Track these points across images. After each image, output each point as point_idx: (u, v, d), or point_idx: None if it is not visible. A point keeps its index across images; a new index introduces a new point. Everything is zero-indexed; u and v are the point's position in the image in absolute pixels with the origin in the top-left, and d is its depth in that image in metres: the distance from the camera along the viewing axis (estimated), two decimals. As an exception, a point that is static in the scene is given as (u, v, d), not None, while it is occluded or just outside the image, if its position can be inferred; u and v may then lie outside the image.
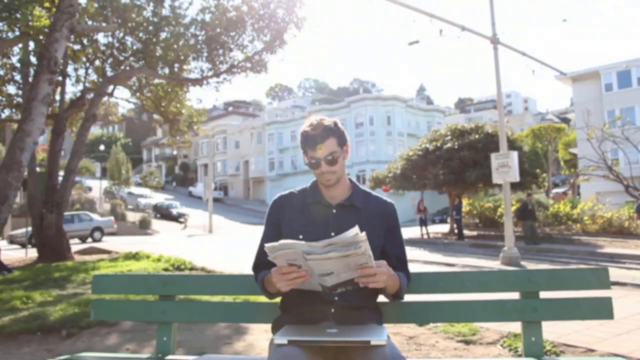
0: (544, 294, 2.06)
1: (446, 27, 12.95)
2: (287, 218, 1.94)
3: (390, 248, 1.97)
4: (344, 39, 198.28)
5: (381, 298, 1.92)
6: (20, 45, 10.82)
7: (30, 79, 9.28)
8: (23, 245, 15.45)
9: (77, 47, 11.97)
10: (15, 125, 11.00)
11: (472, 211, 23.21)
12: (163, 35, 12.29)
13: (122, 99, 17.87)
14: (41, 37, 9.05)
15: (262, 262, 1.95)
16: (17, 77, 11.91)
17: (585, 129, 19.54)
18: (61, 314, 4.68)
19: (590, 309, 2.02)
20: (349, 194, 1.96)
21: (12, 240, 20.91)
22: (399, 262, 1.98)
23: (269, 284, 1.82)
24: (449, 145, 20.50)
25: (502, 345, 3.74)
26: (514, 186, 18.03)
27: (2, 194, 6.71)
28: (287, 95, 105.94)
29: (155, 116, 15.18)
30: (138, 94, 13.83)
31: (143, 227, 30.74)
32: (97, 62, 13.01)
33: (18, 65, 11.79)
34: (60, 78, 11.51)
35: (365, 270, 1.62)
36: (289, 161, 52.63)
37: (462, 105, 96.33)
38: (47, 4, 9.69)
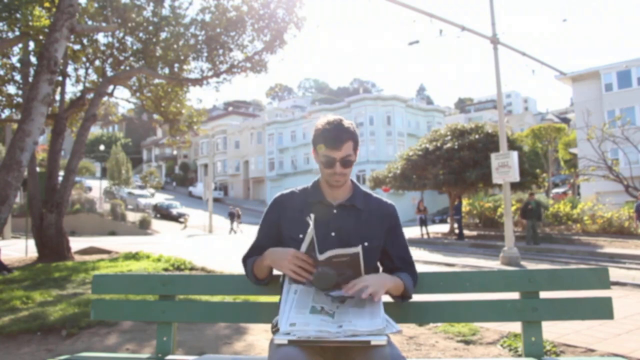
0: (544, 294, 2.06)
1: (446, 27, 12.98)
2: (287, 217, 1.94)
3: (393, 249, 1.98)
4: (344, 39, 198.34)
5: (382, 298, 1.92)
6: (20, 45, 10.81)
7: (30, 79, 9.27)
8: None
9: (77, 47, 11.95)
10: (15, 125, 11.00)
11: (472, 211, 23.21)
12: (163, 35, 12.28)
13: (122, 99, 17.86)
14: (41, 37, 9.04)
15: (254, 254, 2.00)
16: (17, 77, 11.89)
17: (585, 129, 19.55)
18: (61, 314, 4.68)
19: (590, 309, 2.02)
20: (350, 194, 1.97)
21: None
22: (403, 263, 1.98)
23: (258, 268, 1.88)
24: (449, 145, 20.50)
25: (502, 345, 3.74)
26: (514, 186, 18.05)
27: (2, 194, 6.71)
28: (287, 95, 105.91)
29: (155, 116, 15.16)
30: (138, 94, 13.81)
31: (143, 227, 30.73)
32: (97, 62, 12.99)
33: (18, 65, 11.77)
34: (60, 78, 11.49)
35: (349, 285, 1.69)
36: (289, 161, 52.64)
37: (462, 105, 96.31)
38: (47, 4, 9.68)
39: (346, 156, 1.85)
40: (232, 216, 29.50)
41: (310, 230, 1.69)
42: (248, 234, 25.78)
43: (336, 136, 1.83)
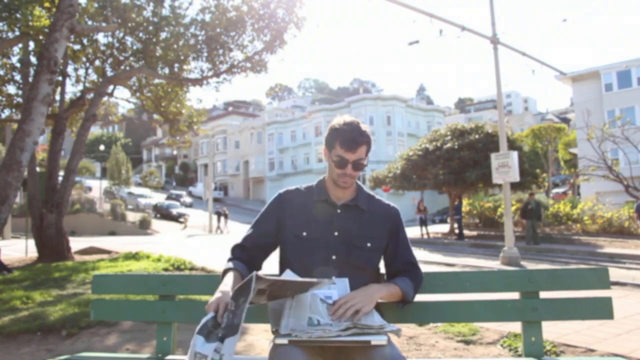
0: (544, 294, 2.06)
1: (446, 27, 12.99)
2: (291, 213, 1.94)
3: (396, 252, 1.98)
4: (344, 39, 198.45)
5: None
6: (20, 45, 10.81)
7: (30, 79, 9.27)
8: None
9: (77, 47, 11.95)
10: (15, 125, 11.00)
11: (472, 211, 23.21)
12: (163, 35, 12.28)
13: (122, 99, 17.86)
14: (41, 37, 9.04)
15: (245, 245, 1.94)
16: (17, 77, 11.89)
17: (585, 129, 19.55)
18: (61, 314, 4.68)
19: (590, 309, 2.02)
20: (354, 195, 1.97)
21: None
22: (407, 265, 1.98)
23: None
24: (449, 145, 20.51)
25: (502, 345, 3.74)
26: (514, 186, 18.05)
27: (2, 194, 6.71)
28: (287, 95, 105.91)
29: (155, 116, 15.16)
30: (138, 94, 13.81)
31: (143, 227, 30.73)
32: (97, 62, 12.99)
33: (18, 65, 11.77)
34: (60, 78, 11.49)
35: (339, 303, 1.67)
36: (289, 161, 52.64)
37: (462, 105, 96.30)
38: (47, 4, 9.68)
39: (359, 159, 1.85)
40: (219, 215, 29.62)
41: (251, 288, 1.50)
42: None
43: (353, 138, 1.83)
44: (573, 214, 19.92)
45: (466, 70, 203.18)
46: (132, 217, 32.75)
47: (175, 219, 36.36)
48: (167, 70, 12.55)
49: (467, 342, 3.85)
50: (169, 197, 46.36)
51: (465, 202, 22.45)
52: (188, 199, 46.55)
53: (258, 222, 1.98)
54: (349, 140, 1.82)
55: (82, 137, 11.02)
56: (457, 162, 19.72)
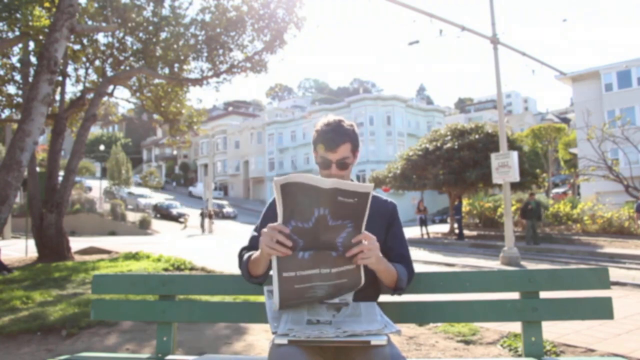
0: (544, 294, 2.06)
1: (446, 27, 13.00)
2: None
3: (391, 245, 1.97)
4: (344, 39, 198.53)
5: (381, 298, 1.92)
6: (20, 45, 10.81)
7: (30, 79, 9.27)
8: None
9: (77, 47, 11.96)
10: (15, 125, 11.00)
11: (472, 211, 23.21)
12: (163, 35, 12.29)
13: (122, 99, 17.88)
14: (41, 37, 9.05)
15: (252, 246, 1.94)
16: (17, 77, 11.90)
17: (585, 129, 19.55)
18: (61, 314, 4.68)
19: (590, 309, 2.02)
20: None
21: None
22: (401, 259, 1.97)
23: (253, 263, 1.78)
24: (449, 145, 20.51)
25: (502, 345, 3.74)
26: (514, 186, 18.05)
27: (2, 194, 6.71)
28: (287, 95, 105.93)
29: (155, 116, 15.17)
30: (138, 94, 13.81)
31: (143, 227, 30.73)
32: (97, 62, 13.00)
33: (18, 65, 11.78)
34: (60, 78, 11.49)
35: (358, 237, 1.61)
36: (289, 161, 52.64)
37: (462, 105, 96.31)
38: (47, 4, 9.68)
39: (342, 158, 1.84)
40: (203, 216, 29.53)
41: (277, 195, 1.55)
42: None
43: (332, 138, 1.83)
44: (573, 214, 19.92)
45: (466, 70, 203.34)
46: (132, 217, 32.75)
47: (175, 219, 36.37)
48: (167, 70, 12.56)
49: (467, 342, 3.85)
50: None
51: (465, 202, 22.45)
52: (231, 209, 40.90)
53: (260, 225, 1.98)
54: (329, 140, 1.83)
55: (82, 137, 11.02)
56: (457, 162, 19.72)
